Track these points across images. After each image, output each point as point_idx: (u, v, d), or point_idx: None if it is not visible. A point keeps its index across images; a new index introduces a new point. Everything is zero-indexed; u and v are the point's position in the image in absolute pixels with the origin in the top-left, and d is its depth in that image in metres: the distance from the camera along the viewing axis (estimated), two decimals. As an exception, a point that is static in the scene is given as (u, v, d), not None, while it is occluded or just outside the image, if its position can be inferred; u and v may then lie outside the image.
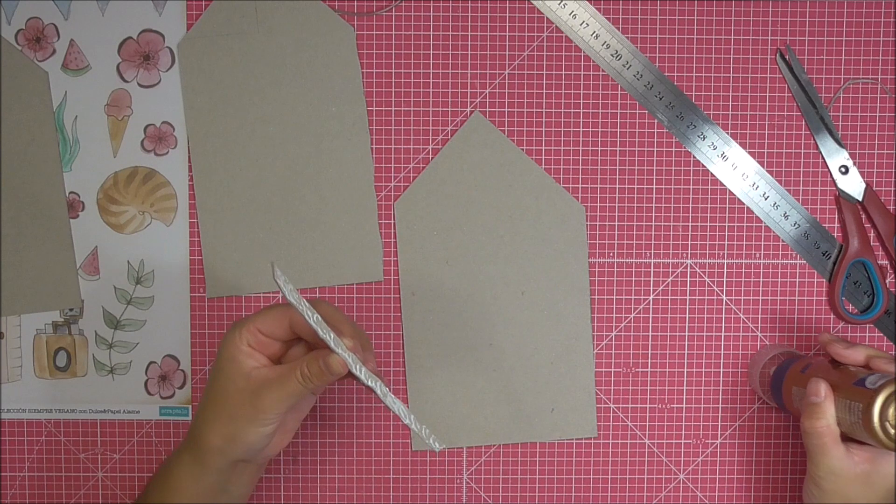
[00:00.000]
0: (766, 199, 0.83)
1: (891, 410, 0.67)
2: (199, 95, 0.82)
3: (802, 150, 0.83)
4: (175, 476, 0.72)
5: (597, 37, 0.82)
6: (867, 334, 0.83)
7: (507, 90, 0.82)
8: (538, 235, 0.82)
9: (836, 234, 0.83)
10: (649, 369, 0.84)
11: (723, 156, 0.82)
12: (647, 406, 0.84)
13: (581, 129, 0.83)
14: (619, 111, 0.82)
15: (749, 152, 0.83)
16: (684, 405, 0.84)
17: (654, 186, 0.83)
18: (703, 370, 0.84)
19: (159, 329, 0.83)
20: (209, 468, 0.71)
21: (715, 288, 0.83)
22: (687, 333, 0.83)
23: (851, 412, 0.69)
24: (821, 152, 0.83)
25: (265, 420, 0.68)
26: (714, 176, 0.83)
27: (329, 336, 0.66)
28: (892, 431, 0.67)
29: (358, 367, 0.67)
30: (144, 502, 0.74)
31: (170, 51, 0.82)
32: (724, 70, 0.82)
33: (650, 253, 0.83)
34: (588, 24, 0.82)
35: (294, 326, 0.69)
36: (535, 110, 0.82)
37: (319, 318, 0.66)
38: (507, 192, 0.83)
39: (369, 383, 0.68)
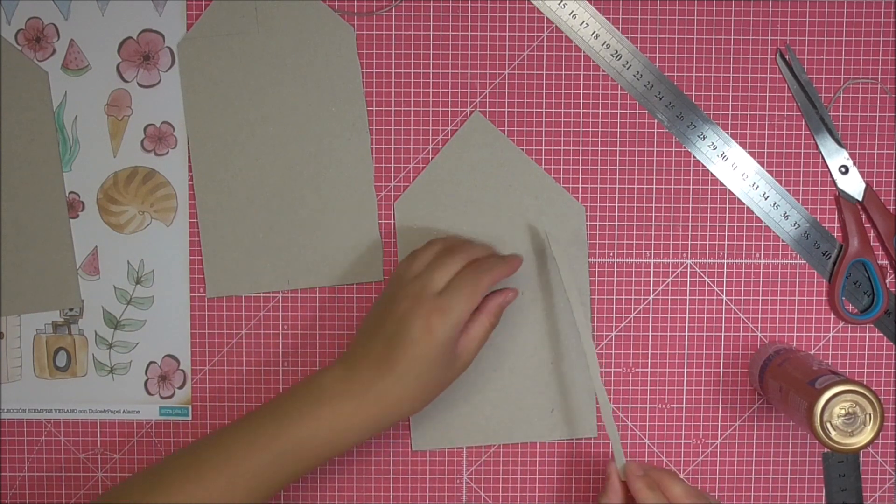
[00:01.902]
0: (766, 199, 0.83)
1: (834, 411, 0.70)
2: (199, 95, 0.82)
3: (802, 150, 0.83)
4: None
5: (597, 37, 0.82)
6: (867, 334, 0.83)
7: (507, 90, 0.82)
8: (538, 235, 0.82)
9: (836, 234, 0.83)
10: (649, 369, 0.84)
11: (723, 156, 0.82)
12: (647, 406, 0.84)
13: (581, 129, 0.83)
14: (619, 111, 0.82)
15: (749, 152, 0.83)
16: (684, 405, 0.84)
17: (654, 186, 0.83)
18: (703, 370, 0.84)
19: (159, 329, 0.83)
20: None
21: (715, 288, 0.83)
22: (687, 333, 0.83)
23: (800, 410, 0.72)
24: (821, 152, 0.83)
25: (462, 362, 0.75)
26: (714, 176, 0.83)
27: None
28: (833, 432, 0.71)
29: None
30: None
31: (170, 51, 0.82)
32: (724, 70, 0.82)
33: (650, 253, 0.83)
34: (588, 24, 0.82)
35: None
36: (535, 110, 0.82)
37: None
38: (507, 192, 0.83)
39: None
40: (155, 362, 0.83)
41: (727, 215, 0.83)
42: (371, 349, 0.73)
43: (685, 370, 0.84)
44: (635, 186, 0.83)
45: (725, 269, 0.83)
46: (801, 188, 0.83)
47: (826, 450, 0.83)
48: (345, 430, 0.73)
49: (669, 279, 0.83)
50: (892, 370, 0.83)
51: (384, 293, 0.77)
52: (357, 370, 0.73)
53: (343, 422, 0.72)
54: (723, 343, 0.83)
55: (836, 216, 0.83)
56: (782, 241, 0.83)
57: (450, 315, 0.72)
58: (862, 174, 0.82)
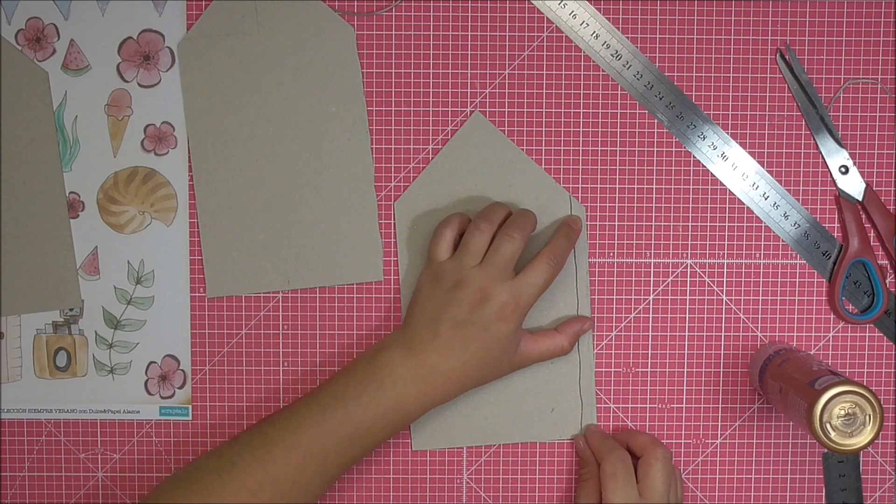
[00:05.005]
0: (766, 199, 0.83)
1: (834, 412, 0.70)
2: (199, 95, 0.82)
3: (802, 150, 0.83)
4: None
5: (597, 37, 0.82)
6: (867, 334, 0.83)
7: (507, 90, 0.82)
8: (538, 235, 0.82)
9: (836, 234, 0.83)
10: (649, 369, 0.84)
11: (723, 156, 0.82)
12: (647, 406, 0.84)
13: (581, 129, 0.83)
14: (619, 111, 0.82)
15: (749, 152, 0.83)
16: (684, 405, 0.84)
17: (654, 186, 0.83)
18: (703, 370, 0.84)
19: (159, 329, 0.83)
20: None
21: (715, 288, 0.83)
22: (687, 333, 0.83)
23: (800, 411, 0.72)
24: (821, 152, 0.83)
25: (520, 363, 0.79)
26: (714, 176, 0.83)
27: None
28: (832, 433, 0.70)
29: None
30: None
31: (170, 51, 0.82)
32: (724, 70, 0.82)
33: (650, 253, 0.83)
34: (588, 24, 0.82)
35: None
36: (535, 110, 0.82)
37: None
38: (507, 192, 0.83)
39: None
40: (155, 362, 0.83)
41: (727, 215, 0.83)
42: (437, 333, 0.75)
43: (685, 370, 0.84)
44: (635, 186, 0.83)
45: (725, 269, 0.83)
46: (801, 188, 0.83)
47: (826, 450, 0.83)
48: (410, 411, 0.76)
49: (669, 279, 0.83)
50: (892, 370, 0.83)
51: (428, 275, 0.78)
52: (423, 353, 0.75)
53: (409, 404, 0.75)
54: (723, 343, 0.83)
55: (836, 216, 0.83)
56: (782, 241, 0.83)
57: (522, 304, 0.76)
58: (862, 174, 0.82)
